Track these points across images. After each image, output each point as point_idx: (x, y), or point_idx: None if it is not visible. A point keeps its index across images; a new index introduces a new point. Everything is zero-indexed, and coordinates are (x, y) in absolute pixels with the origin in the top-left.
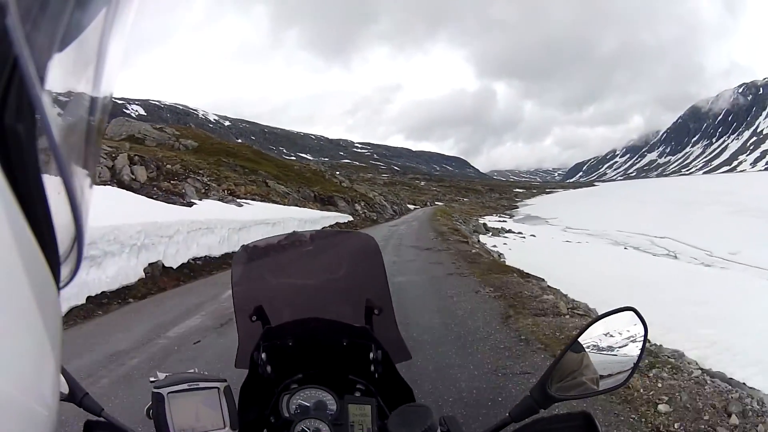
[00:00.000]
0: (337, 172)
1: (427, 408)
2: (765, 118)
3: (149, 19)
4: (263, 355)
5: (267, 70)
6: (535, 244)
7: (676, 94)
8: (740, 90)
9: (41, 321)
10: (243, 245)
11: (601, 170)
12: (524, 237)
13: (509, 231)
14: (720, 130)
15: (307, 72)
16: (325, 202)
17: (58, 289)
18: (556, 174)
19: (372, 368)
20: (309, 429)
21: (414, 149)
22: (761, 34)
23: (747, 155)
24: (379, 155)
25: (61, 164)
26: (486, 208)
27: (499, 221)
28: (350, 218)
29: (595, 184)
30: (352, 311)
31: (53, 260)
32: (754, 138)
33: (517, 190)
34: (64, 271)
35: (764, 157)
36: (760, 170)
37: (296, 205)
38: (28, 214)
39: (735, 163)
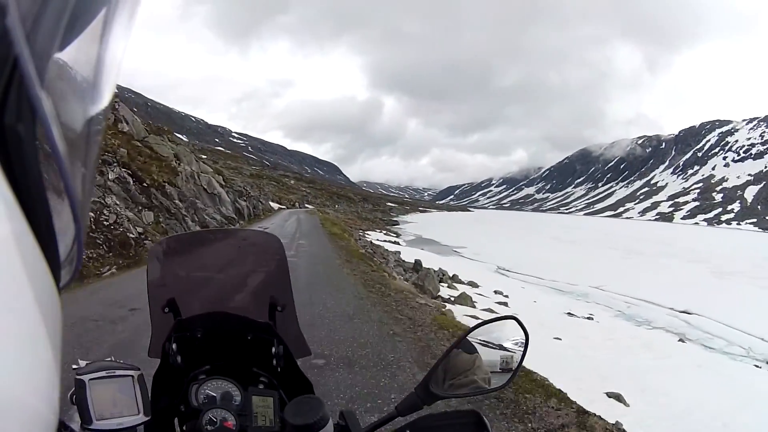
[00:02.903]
0: (203, 156)
1: (319, 400)
2: (662, 171)
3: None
4: (174, 346)
5: (169, 43)
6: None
7: (568, 136)
8: (639, 141)
9: (41, 321)
10: (159, 240)
11: (473, 196)
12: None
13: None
14: (609, 176)
15: (206, 53)
16: None
17: (58, 289)
18: (426, 194)
19: (274, 362)
20: (216, 418)
21: (289, 148)
22: (678, 93)
23: (635, 203)
24: (253, 148)
25: (61, 164)
26: (364, 220)
27: (386, 239)
28: None
29: (469, 209)
30: (256, 307)
31: (53, 260)
32: (646, 188)
33: (390, 204)
34: (64, 271)
35: (654, 208)
36: (649, 220)
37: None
38: (28, 214)
39: (621, 209)
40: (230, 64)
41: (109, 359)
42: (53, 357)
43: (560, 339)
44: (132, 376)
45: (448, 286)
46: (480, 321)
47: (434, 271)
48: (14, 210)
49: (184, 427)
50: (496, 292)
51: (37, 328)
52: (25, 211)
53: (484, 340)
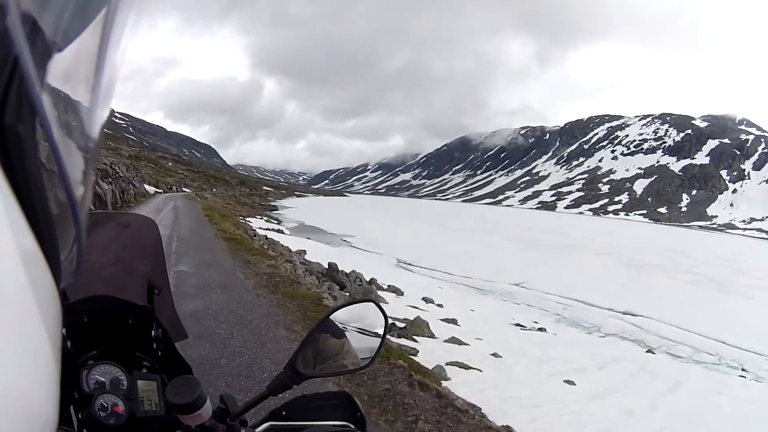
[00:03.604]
0: None
1: (196, 379)
2: (544, 162)
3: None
4: (63, 331)
5: None
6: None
7: (448, 123)
8: (522, 131)
9: (41, 321)
10: None
11: (348, 181)
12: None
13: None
14: (489, 164)
15: None
16: None
17: (58, 289)
18: (301, 178)
19: (154, 345)
20: (107, 404)
21: (169, 129)
22: (569, 88)
23: (516, 192)
24: (134, 129)
25: (61, 164)
26: (243, 206)
27: (269, 226)
28: None
29: (345, 194)
30: (136, 291)
31: (53, 260)
32: (527, 178)
33: (266, 188)
34: (64, 271)
35: (536, 197)
36: (531, 208)
37: None
38: (28, 214)
39: (501, 197)
40: None
41: None
42: (53, 357)
43: (573, 384)
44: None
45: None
46: (338, 305)
47: (347, 274)
48: (14, 210)
49: (80, 415)
50: (425, 300)
51: (37, 328)
52: (25, 211)
53: (348, 324)
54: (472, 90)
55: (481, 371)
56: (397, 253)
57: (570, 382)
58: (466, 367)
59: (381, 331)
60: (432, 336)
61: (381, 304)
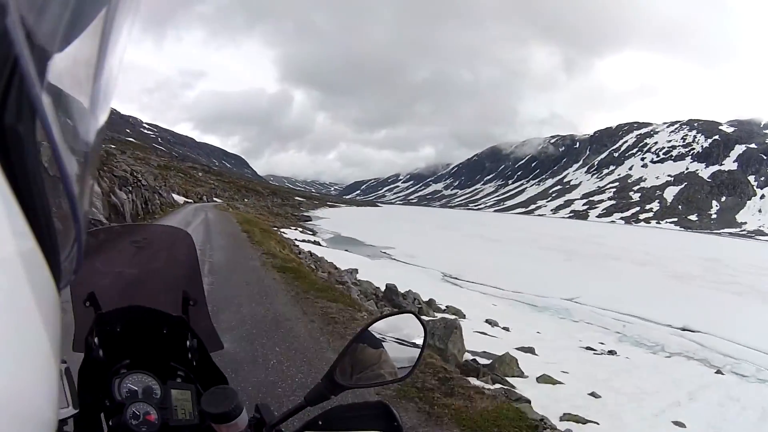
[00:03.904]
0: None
1: (232, 389)
2: (575, 170)
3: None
4: (96, 340)
5: None
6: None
7: (478, 133)
8: (552, 140)
9: (41, 321)
10: None
11: (380, 192)
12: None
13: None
14: (520, 173)
15: None
16: None
17: (58, 289)
18: (332, 188)
19: (189, 356)
20: (139, 412)
21: (198, 140)
22: (597, 96)
23: (548, 201)
24: (163, 139)
25: (61, 164)
26: (276, 216)
27: (305, 238)
28: None
29: (378, 204)
30: (170, 301)
31: (53, 260)
32: (559, 187)
33: (298, 198)
34: (64, 271)
35: (568, 206)
36: (563, 217)
37: None
38: (28, 214)
39: (532, 206)
40: (145, 53)
41: None
42: (53, 357)
43: (683, 426)
44: (60, 369)
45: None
46: (377, 316)
47: (403, 295)
48: (14, 210)
49: (110, 422)
50: (490, 323)
51: (37, 328)
52: (25, 212)
53: (386, 334)
54: (501, 99)
55: (598, 424)
56: (440, 266)
57: (680, 424)
58: (583, 421)
59: (419, 342)
60: (521, 375)
61: (419, 315)
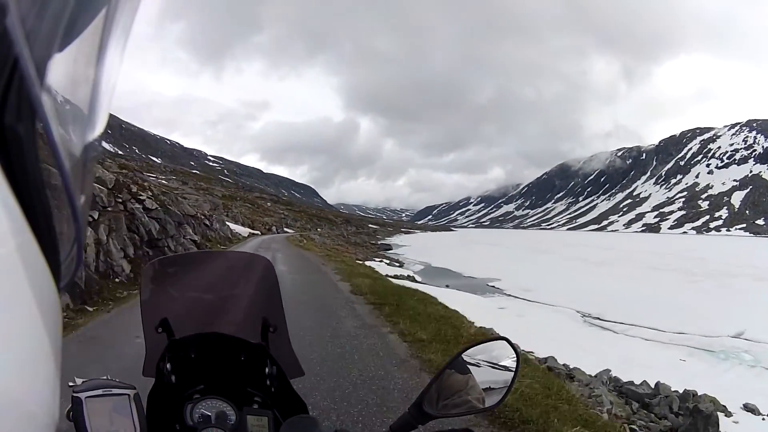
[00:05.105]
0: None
1: (314, 419)
2: (644, 182)
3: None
4: (168, 366)
5: (143, 63)
6: None
7: (545, 151)
8: (619, 153)
9: (41, 321)
10: (150, 261)
11: (452, 216)
12: None
13: None
14: (589, 189)
15: (179, 73)
16: None
17: (58, 289)
18: (404, 214)
19: (268, 382)
20: None
21: (265, 171)
22: (658, 103)
23: (619, 216)
24: (229, 171)
25: (61, 164)
26: (355, 246)
27: (396, 272)
28: None
29: (452, 228)
30: (249, 328)
31: (53, 260)
32: (629, 200)
33: (372, 225)
34: (64, 271)
35: (639, 220)
36: (635, 231)
37: None
38: (28, 215)
39: (605, 222)
40: (205, 86)
41: (105, 378)
42: (53, 357)
43: None
44: (128, 395)
45: None
46: (470, 343)
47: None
48: (14, 210)
49: None
50: (750, 410)
51: (37, 328)
52: (25, 211)
53: (477, 361)
54: (565, 114)
55: None
56: (569, 302)
57: None
58: None
59: (509, 365)
60: None
61: (512, 342)
